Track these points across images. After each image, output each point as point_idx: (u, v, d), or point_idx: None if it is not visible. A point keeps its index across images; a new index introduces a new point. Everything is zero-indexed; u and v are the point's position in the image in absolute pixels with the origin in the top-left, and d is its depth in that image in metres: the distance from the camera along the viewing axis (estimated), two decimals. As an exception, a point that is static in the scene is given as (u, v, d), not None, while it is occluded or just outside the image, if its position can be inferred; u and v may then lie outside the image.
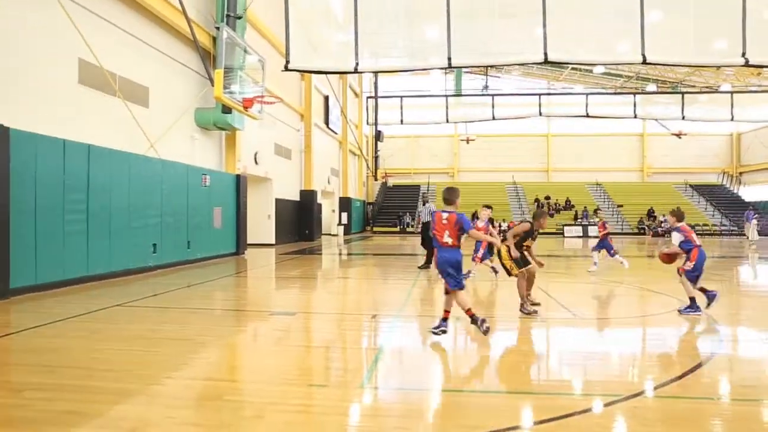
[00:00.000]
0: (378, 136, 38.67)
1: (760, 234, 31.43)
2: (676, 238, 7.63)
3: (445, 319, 6.14)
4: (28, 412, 3.76)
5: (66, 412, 3.76)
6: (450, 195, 6.01)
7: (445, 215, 5.88)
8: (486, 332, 5.89)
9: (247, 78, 15.25)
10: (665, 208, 32.82)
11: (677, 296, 8.85)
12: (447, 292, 6.13)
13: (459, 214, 5.82)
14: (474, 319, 5.94)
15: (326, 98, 29.96)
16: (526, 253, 7.54)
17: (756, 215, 31.53)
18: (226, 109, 15.19)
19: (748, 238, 31.21)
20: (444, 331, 6.07)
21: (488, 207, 10.88)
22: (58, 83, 10.27)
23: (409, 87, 38.90)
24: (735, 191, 41.62)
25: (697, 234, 31.82)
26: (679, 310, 7.54)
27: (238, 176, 17.39)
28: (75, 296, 8.79)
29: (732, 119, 29.18)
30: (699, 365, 5.05)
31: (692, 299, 7.41)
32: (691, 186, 41.23)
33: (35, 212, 8.92)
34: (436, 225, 5.92)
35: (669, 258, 7.81)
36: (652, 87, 42.19)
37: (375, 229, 38.14)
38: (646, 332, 6.90)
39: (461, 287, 5.95)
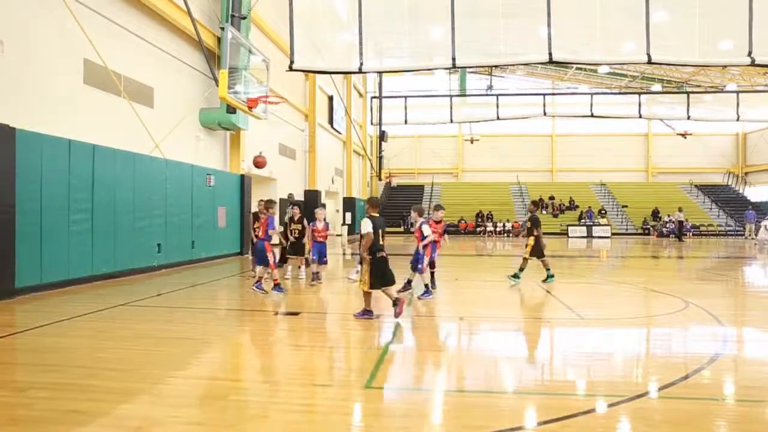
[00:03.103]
0: (382, 136, 38.66)
1: (757, 234, 31.44)
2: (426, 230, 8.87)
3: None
4: (32, 411, 3.78)
5: (71, 411, 3.77)
6: (270, 205, 9.03)
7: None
8: None
9: (252, 78, 15.27)
10: (670, 209, 32.77)
11: (681, 297, 8.82)
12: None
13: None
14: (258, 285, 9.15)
15: (330, 98, 29.96)
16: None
17: (757, 216, 31.56)
18: (231, 109, 15.22)
19: (745, 237, 31.19)
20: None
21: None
22: (63, 83, 10.31)
23: (414, 87, 38.79)
24: (740, 191, 41.41)
25: (702, 234, 31.59)
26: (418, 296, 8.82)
27: (242, 176, 17.42)
28: (80, 296, 8.82)
29: (738, 119, 28.96)
30: (703, 366, 5.03)
31: (427, 285, 8.94)
32: (696, 186, 41.01)
33: (41, 212, 8.96)
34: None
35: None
36: (657, 87, 41.92)
37: (379, 229, 38.06)
38: (650, 333, 6.87)
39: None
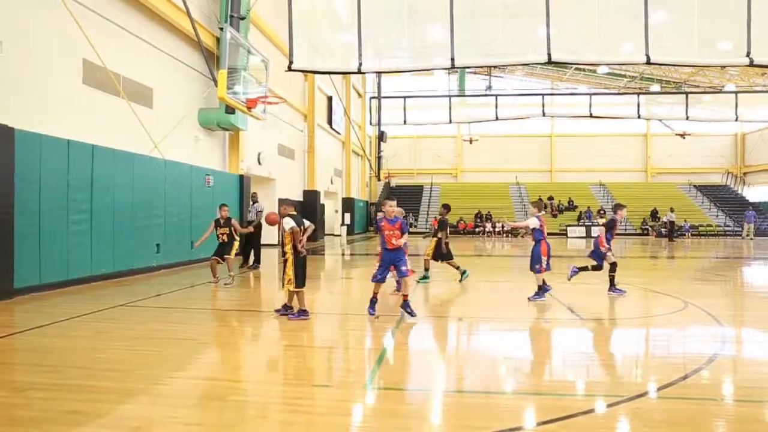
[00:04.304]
0: (381, 136, 38.66)
1: (756, 234, 31.74)
2: (533, 222, 8.68)
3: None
4: (31, 412, 3.78)
5: (69, 411, 3.77)
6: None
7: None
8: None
9: (251, 78, 15.27)
10: (668, 209, 32.92)
11: (680, 297, 8.82)
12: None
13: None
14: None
15: (329, 98, 29.97)
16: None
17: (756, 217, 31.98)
18: (230, 110, 15.21)
19: (743, 237, 31.49)
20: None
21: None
22: (62, 84, 10.30)
23: (413, 87, 38.79)
24: (739, 192, 41.48)
25: (700, 234, 31.85)
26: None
27: (241, 176, 17.41)
28: (79, 296, 8.81)
29: (736, 119, 29.02)
30: (702, 366, 5.04)
31: (540, 287, 8.61)
32: (695, 186, 41.07)
33: (39, 212, 8.95)
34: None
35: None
36: (656, 87, 41.96)
37: (378, 229, 38.06)
38: (649, 333, 6.88)
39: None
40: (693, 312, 7.81)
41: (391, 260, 7.24)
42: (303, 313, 7.03)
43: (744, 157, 43.84)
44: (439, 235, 10.63)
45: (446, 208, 11.19)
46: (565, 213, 37.82)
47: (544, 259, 8.58)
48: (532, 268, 8.73)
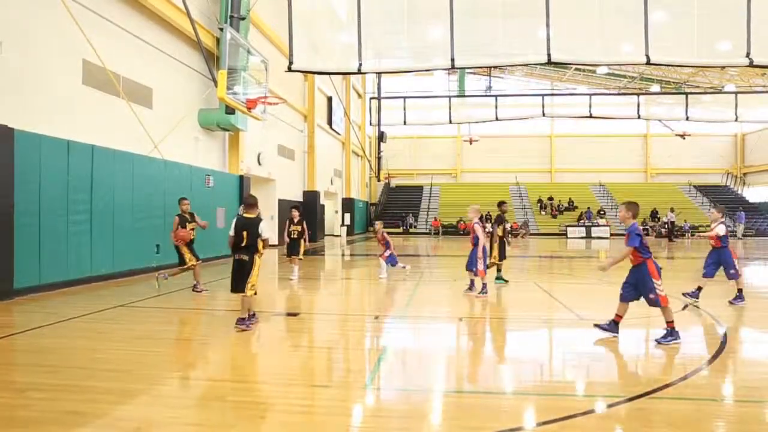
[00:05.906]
0: (381, 136, 38.65)
1: (756, 235, 31.88)
2: (722, 229, 8.44)
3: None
4: (31, 412, 3.77)
5: (69, 412, 3.76)
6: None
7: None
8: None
9: (251, 79, 15.26)
10: (668, 209, 32.96)
11: (680, 297, 8.82)
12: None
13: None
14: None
15: (329, 99, 29.97)
16: None
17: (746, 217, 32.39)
18: (230, 110, 15.21)
19: (738, 238, 31.75)
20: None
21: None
22: (62, 84, 10.30)
23: (413, 87, 38.81)
24: (739, 192, 41.48)
25: (700, 234, 31.99)
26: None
27: (241, 177, 17.41)
28: (79, 296, 8.81)
29: (736, 120, 29.00)
30: (702, 366, 5.04)
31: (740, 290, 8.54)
32: (694, 187, 41.07)
33: (39, 213, 8.94)
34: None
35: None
36: (655, 87, 41.97)
37: (378, 229, 38.07)
38: (649, 333, 6.87)
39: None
40: (692, 312, 7.81)
41: (637, 279, 6.10)
42: (242, 321, 6.47)
43: (744, 157, 43.84)
44: (499, 233, 10.42)
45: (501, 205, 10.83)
46: (565, 213, 37.81)
47: (736, 261, 8.58)
48: (729, 276, 8.62)
